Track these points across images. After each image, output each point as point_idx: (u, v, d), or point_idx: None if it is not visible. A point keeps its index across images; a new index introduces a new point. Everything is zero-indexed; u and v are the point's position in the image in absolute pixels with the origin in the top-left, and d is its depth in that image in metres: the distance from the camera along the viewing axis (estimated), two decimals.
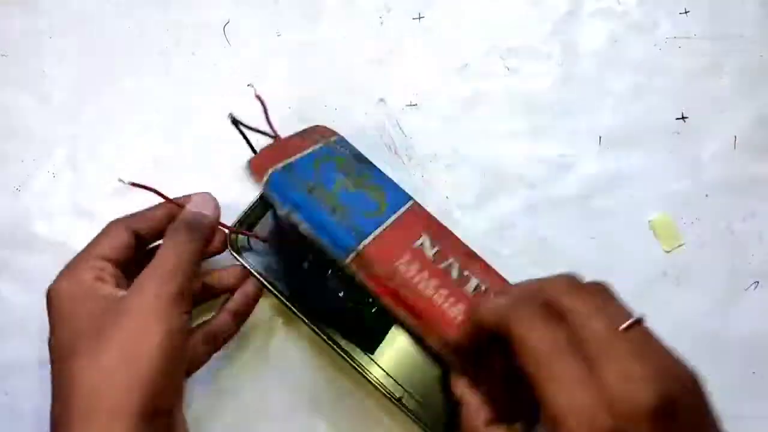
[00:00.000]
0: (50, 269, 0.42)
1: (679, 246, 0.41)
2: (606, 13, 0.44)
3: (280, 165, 0.35)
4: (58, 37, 0.44)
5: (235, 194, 0.40)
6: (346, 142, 0.39)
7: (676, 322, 0.41)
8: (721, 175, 0.42)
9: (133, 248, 0.34)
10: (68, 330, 0.30)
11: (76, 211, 0.43)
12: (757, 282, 0.41)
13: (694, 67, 0.43)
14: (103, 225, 0.42)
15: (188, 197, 0.35)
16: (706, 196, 0.42)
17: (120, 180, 0.36)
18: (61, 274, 0.33)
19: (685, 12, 0.43)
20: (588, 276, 0.41)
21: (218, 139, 0.43)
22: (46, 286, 0.42)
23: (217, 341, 0.36)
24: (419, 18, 0.44)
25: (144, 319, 0.29)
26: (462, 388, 0.32)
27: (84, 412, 0.28)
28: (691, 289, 0.41)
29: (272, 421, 0.40)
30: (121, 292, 0.31)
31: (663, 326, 0.41)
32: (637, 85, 0.43)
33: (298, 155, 0.36)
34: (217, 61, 0.44)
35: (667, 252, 0.41)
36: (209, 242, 0.34)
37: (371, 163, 0.39)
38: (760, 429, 0.40)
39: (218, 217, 0.35)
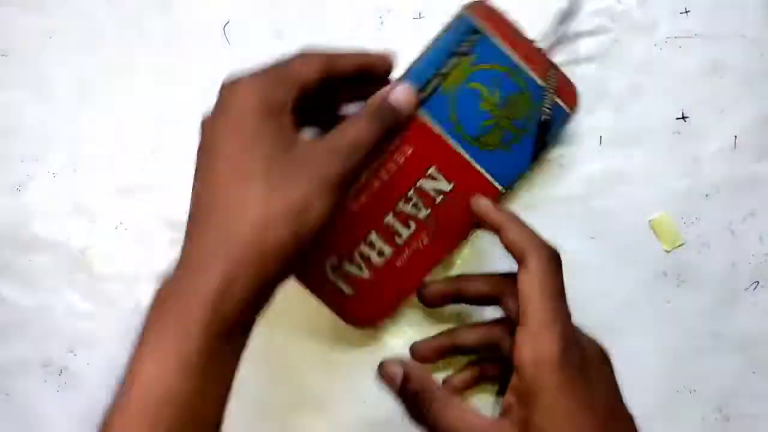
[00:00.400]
0: (51, 269, 0.43)
1: (680, 246, 0.41)
2: (606, 12, 0.43)
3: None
4: (58, 37, 0.44)
5: None
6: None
7: (676, 322, 0.41)
8: (721, 175, 0.42)
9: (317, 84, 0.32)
10: (241, 146, 0.29)
11: (77, 211, 0.43)
12: (757, 282, 0.41)
13: (694, 67, 0.43)
14: (102, 224, 0.43)
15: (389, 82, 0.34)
16: (707, 196, 0.42)
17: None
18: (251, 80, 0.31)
19: (686, 12, 0.43)
20: (587, 276, 0.41)
21: None
22: (47, 286, 0.42)
23: None
24: (420, 18, 0.44)
25: (313, 183, 0.28)
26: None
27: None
28: (691, 289, 0.41)
29: (272, 421, 0.40)
30: (302, 137, 0.30)
31: (663, 326, 0.41)
32: (638, 84, 0.43)
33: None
34: (218, 61, 0.44)
35: (667, 252, 0.41)
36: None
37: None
38: (761, 429, 0.40)
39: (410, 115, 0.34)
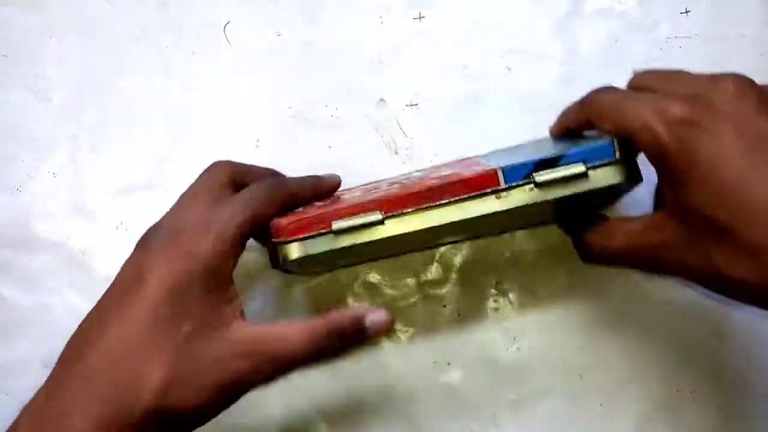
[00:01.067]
0: (51, 269, 0.43)
1: None
2: (607, 12, 0.43)
3: None
4: (58, 37, 0.44)
5: None
6: None
7: (675, 321, 0.41)
8: None
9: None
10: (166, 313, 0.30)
11: (77, 211, 0.43)
12: None
13: (694, 67, 0.42)
14: (102, 225, 0.43)
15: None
16: None
17: None
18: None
19: (686, 12, 0.43)
20: (587, 276, 0.41)
21: (218, 139, 0.43)
22: (47, 286, 0.42)
23: None
24: (419, 18, 0.44)
25: (216, 387, 0.29)
26: None
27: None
28: (691, 288, 0.41)
29: (272, 422, 0.40)
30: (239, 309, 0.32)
31: (662, 325, 0.41)
32: None
33: None
34: (218, 61, 0.44)
35: None
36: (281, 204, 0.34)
37: None
38: (760, 429, 0.40)
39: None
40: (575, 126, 0.35)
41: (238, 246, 0.31)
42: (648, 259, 0.31)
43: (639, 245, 0.31)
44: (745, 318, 0.41)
